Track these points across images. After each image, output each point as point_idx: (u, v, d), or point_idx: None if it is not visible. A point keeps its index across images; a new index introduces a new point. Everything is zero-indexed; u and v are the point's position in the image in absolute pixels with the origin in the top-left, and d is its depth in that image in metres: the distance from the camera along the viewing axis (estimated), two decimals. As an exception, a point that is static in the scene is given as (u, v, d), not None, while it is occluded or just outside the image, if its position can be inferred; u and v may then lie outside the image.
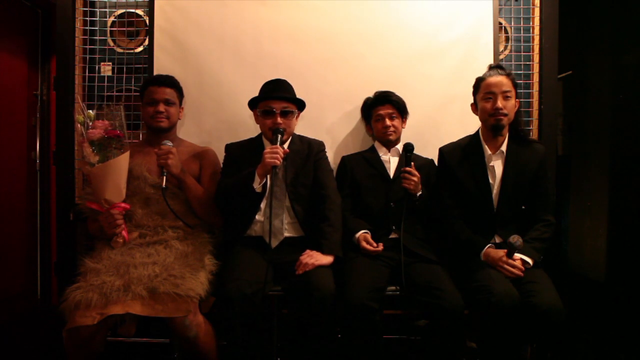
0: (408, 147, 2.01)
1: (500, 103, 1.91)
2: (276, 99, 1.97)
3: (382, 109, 2.16)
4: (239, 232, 1.98)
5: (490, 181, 1.97)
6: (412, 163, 2.01)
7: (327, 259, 1.83)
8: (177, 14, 2.34)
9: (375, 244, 1.97)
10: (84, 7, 2.35)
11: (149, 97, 2.02)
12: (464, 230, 1.96)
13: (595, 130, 2.60)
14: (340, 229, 1.96)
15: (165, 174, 1.91)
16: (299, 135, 2.16)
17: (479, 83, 2.00)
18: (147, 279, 1.66)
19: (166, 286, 1.65)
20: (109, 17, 2.39)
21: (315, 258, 1.80)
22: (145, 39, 2.39)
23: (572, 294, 1.87)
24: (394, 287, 1.92)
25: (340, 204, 2.03)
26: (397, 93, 2.19)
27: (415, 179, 1.97)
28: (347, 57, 2.37)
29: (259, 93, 2.04)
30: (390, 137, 2.15)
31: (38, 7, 2.80)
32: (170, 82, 2.06)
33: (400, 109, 2.17)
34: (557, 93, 2.44)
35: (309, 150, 2.07)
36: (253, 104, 2.06)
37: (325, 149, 2.14)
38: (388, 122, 2.14)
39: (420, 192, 2.01)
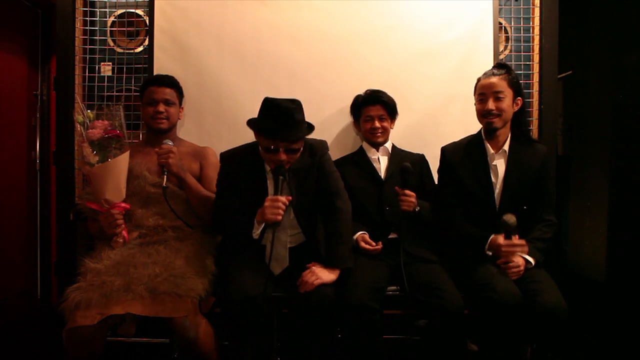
0: (404, 169, 1.93)
1: (491, 105, 1.91)
2: (282, 140, 1.74)
3: (373, 110, 2.12)
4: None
5: (493, 180, 1.96)
6: (406, 176, 1.96)
7: (330, 277, 1.76)
8: (177, 14, 2.34)
9: (374, 243, 1.97)
10: (84, 7, 2.35)
11: (148, 97, 2.02)
12: (465, 226, 1.96)
13: (595, 130, 2.60)
14: (349, 239, 1.90)
15: (166, 173, 1.91)
16: None
17: (476, 84, 2.02)
18: (147, 279, 1.66)
19: (166, 286, 1.65)
20: (109, 17, 2.39)
21: (317, 276, 1.74)
22: (145, 39, 2.39)
23: (572, 293, 1.87)
24: (394, 287, 1.92)
25: (350, 211, 1.92)
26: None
27: (412, 199, 1.93)
28: (347, 57, 2.37)
29: (260, 116, 1.79)
30: (379, 139, 2.13)
31: (38, 7, 2.80)
32: (170, 82, 2.06)
33: (390, 110, 2.13)
34: (557, 93, 2.45)
35: (312, 158, 1.91)
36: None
37: (327, 148, 1.98)
38: (377, 123, 2.11)
39: (417, 208, 1.97)
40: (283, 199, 1.73)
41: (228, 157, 1.92)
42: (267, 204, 1.73)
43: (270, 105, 1.75)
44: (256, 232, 1.79)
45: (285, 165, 1.76)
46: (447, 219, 2.02)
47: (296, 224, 1.93)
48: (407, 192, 1.93)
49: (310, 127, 1.84)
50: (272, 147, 1.73)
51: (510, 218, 1.78)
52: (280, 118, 1.72)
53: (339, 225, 1.87)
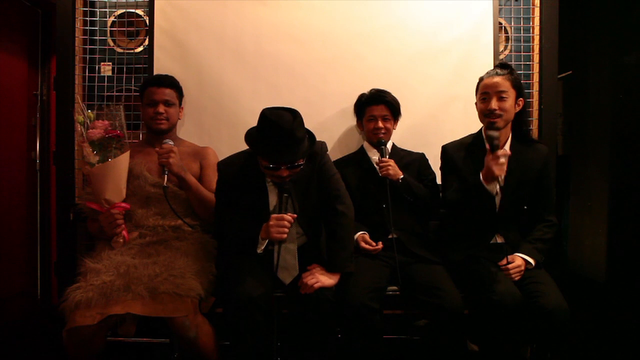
0: (380, 142, 2.09)
1: (494, 104, 1.89)
2: (284, 164, 1.71)
3: (377, 110, 2.12)
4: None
5: None
6: (383, 148, 2.08)
7: (330, 281, 1.76)
8: (177, 14, 2.34)
9: (374, 243, 1.97)
10: (84, 7, 2.35)
11: (148, 97, 2.02)
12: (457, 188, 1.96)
13: (595, 130, 2.60)
14: (350, 243, 1.88)
15: (166, 172, 1.90)
16: None
17: (478, 84, 2.01)
18: (147, 279, 1.66)
19: (166, 286, 1.65)
20: (109, 17, 2.39)
21: (317, 279, 1.74)
22: (145, 39, 2.39)
23: (572, 294, 1.87)
24: (394, 287, 1.92)
25: (352, 215, 1.90)
26: (397, 93, 2.17)
27: (390, 163, 2.00)
28: (347, 57, 2.37)
29: (259, 134, 1.72)
30: (381, 140, 2.12)
31: (38, 7, 2.80)
32: (170, 82, 2.06)
33: (394, 110, 2.13)
34: (557, 93, 2.44)
35: (312, 164, 1.86)
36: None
37: (326, 149, 1.94)
38: (380, 123, 2.10)
39: (401, 176, 2.01)
40: (288, 217, 1.72)
41: (226, 167, 1.88)
42: (272, 222, 1.72)
43: (269, 124, 1.66)
44: (260, 248, 1.79)
45: (287, 179, 1.74)
46: (448, 217, 2.02)
47: (300, 229, 1.93)
48: (384, 159, 2.01)
49: (311, 138, 1.80)
50: (272, 166, 1.71)
51: (494, 131, 1.83)
52: (281, 140, 1.66)
53: (340, 229, 1.85)
